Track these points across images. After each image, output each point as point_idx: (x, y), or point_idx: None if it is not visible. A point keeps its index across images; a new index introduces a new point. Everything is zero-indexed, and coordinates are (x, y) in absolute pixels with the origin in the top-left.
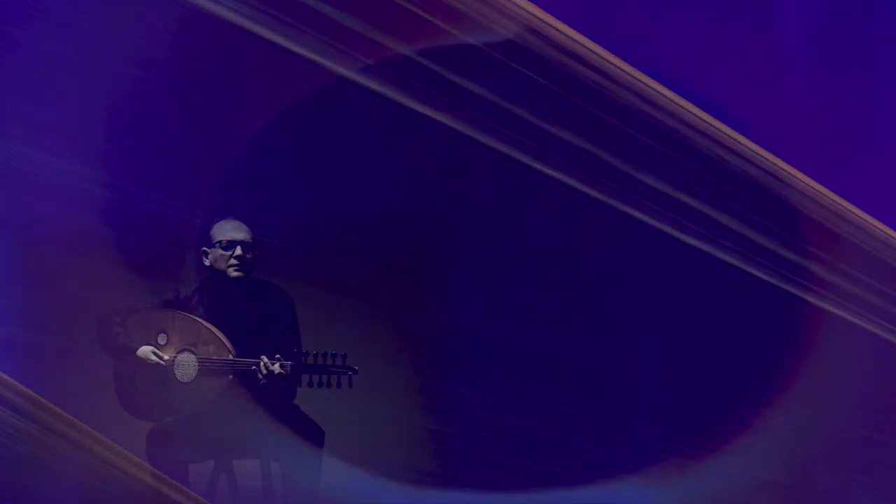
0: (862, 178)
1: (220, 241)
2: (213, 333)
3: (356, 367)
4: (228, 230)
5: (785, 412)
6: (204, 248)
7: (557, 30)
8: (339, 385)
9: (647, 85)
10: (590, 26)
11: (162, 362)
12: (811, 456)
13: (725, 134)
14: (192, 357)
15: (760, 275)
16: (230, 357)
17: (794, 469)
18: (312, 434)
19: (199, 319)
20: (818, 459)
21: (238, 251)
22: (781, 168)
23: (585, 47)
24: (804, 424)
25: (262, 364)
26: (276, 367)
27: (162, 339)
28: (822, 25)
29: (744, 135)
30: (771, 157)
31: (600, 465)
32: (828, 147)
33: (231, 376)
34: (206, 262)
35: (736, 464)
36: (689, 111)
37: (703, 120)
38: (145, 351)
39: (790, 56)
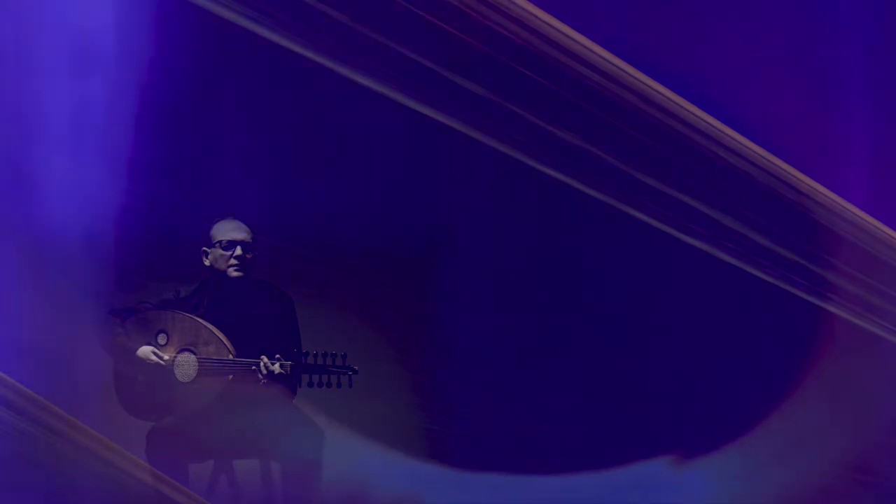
0: (863, 179)
1: (219, 241)
2: (213, 333)
3: (356, 367)
4: (228, 230)
5: (788, 413)
6: (204, 248)
7: (557, 30)
8: (339, 385)
9: (648, 85)
10: (591, 27)
11: (162, 362)
12: (815, 457)
13: (726, 134)
14: (192, 357)
15: (763, 276)
16: (230, 357)
17: (798, 471)
18: (312, 434)
19: (199, 319)
20: (821, 460)
21: (238, 251)
22: (782, 169)
23: (585, 47)
24: (807, 425)
25: (262, 364)
26: (276, 367)
27: (162, 339)
28: (823, 24)
29: (744, 135)
30: (772, 157)
31: (602, 465)
32: (828, 147)
33: (231, 376)
34: (206, 263)
35: (740, 465)
36: (689, 111)
37: (704, 120)
38: (145, 351)
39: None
